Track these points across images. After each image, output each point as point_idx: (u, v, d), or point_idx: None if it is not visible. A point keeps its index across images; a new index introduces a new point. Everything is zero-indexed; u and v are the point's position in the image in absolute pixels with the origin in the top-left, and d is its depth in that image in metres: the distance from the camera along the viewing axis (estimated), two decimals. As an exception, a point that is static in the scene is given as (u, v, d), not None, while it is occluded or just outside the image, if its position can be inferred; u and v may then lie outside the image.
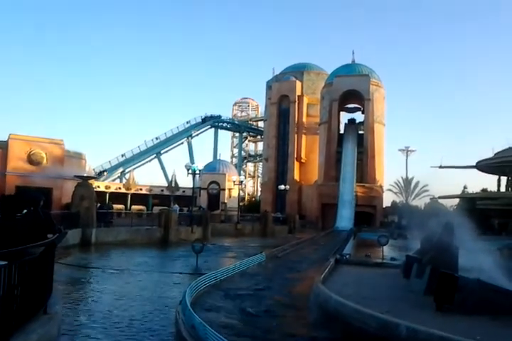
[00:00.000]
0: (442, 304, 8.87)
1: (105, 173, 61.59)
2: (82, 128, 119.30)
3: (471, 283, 8.85)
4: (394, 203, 61.52)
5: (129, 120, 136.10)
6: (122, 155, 64.82)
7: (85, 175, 28.31)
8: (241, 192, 62.74)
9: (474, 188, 53.94)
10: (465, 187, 54.51)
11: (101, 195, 43.03)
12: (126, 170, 63.22)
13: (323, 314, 9.54)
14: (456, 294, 8.75)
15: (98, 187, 44.85)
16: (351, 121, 62.03)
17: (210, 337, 6.55)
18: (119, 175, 63.97)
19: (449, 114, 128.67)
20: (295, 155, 62.90)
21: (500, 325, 7.86)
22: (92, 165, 35.57)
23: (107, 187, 50.19)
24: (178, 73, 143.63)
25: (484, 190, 48.49)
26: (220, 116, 79.54)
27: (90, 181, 28.20)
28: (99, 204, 28.57)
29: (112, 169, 63.06)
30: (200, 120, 74.95)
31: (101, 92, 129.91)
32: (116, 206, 35.17)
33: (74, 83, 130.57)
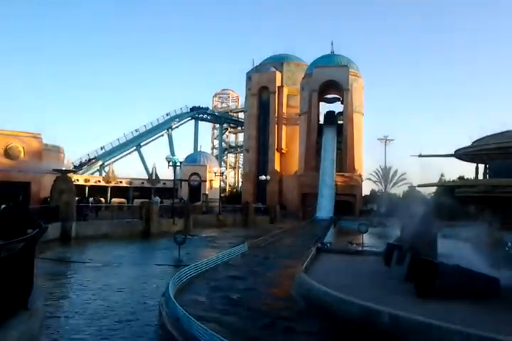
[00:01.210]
0: (423, 290, 9.02)
1: (93, 161, 60.91)
2: (59, 121, 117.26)
3: (451, 269, 9.02)
4: (373, 192, 62.21)
5: (109, 113, 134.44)
6: (101, 148, 63.99)
7: (64, 168, 27.87)
8: (222, 183, 62.73)
9: (452, 176, 55.03)
10: (442, 175, 55.45)
11: (80, 188, 42.51)
12: (106, 163, 62.50)
13: (306, 303, 9.63)
14: (437, 280, 8.91)
15: (77, 180, 44.29)
16: (330, 113, 62.39)
17: (194, 329, 6.55)
18: (99, 168, 63.19)
19: (428, 103, 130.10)
20: (275, 146, 63.00)
21: (478, 309, 8.05)
22: (70, 158, 34.94)
23: (86, 180, 49.55)
24: (157, 65, 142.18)
25: (461, 178, 49.29)
26: (207, 108, 79.66)
27: (69, 175, 27.78)
28: (78, 198, 28.24)
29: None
30: (180, 112, 74.41)
31: (77, 84, 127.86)
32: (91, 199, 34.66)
33: (49, 74, 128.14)
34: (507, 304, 8.30)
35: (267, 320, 8.67)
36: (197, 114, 78.18)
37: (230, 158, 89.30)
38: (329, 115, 62.13)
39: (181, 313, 7.21)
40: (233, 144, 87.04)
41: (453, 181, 41.81)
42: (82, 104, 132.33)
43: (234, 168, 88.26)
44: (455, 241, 13.98)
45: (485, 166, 11.03)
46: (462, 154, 11.59)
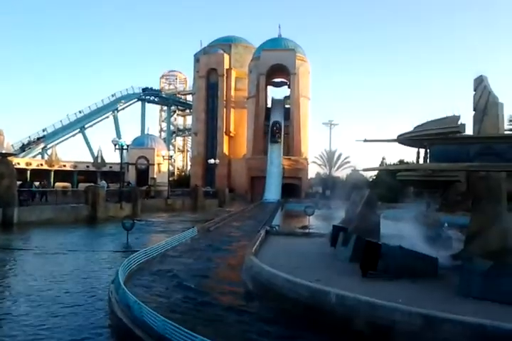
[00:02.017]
0: (367, 271, 9.43)
1: (42, 140, 58.56)
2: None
3: (393, 250, 9.44)
4: (318, 175, 63.62)
5: (51, 94, 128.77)
6: (43, 130, 61.53)
7: (4, 151, 26.65)
8: (170, 166, 62.06)
9: (393, 160, 57.03)
10: (383, 159, 57.53)
11: (21, 172, 40.88)
12: (48, 146, 60.21)
13: (256, 285, 9.84)
14: (380, 261, 9.33)
15: (18, 164, 42.54)
16: (277, 100, 62.89)
17: (146, 316, 6.56)
18: (41, 151, 60.81)
19: (372, 89, 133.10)
20: (224, 129, 62.87)
21: (419, 287, 8.52)
22: (9, 141, 33.41)
23: (27, 163, 47.75)
24: (102, 44, 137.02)
25: (402, 162, 51.20)
26: (159, 90, 78.20)
27: (9, 158, 26.62)
28: (20, 182, 27.19)
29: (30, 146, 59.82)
30: (126, 93, 72.43)
31: (20, 63, 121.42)
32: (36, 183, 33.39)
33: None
34: (444, 282, 8.83)
35: (216, 303, 8.82)
36: (144, 95, 76.47)
37: (179, 141, 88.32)
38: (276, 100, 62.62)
39: (132, 300, 7.18)
40: (181, 127, 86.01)
41: (395, 165, 43.30)
42: (25, 86, 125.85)
43: (182, 151, 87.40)
44: (396, 223, 14.59)
45: (425, 151, 11.46)
46: (404, 139, 12.00)
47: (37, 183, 33.49)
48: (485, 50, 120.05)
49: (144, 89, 75.38)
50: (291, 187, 54.64)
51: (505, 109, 10.66)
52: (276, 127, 57.29)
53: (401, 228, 13.04)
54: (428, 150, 11.35)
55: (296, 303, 7.97)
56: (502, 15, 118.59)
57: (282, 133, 56.86)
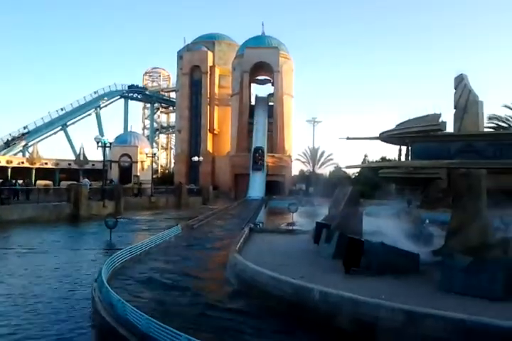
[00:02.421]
0: (350, 267, 9.52)
1: (26, 135, 57.88)
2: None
3: (376, 247, 9.55)
4: (302, 172, 63.87)
5: (32, 91, 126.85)
6: (24, 127, 60.56)
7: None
8: (154, 164, 61.69)
9: (375, 157, 57.53)
10: (366, 156, 58.09)
11: (2, 170, 40.30)
12: (30, 144, 59.36)
13: (240, 283, 9.86)
14: (362, 257, 9.42)
15: (-2, 161, 41.93)
16: (261, 97, 62.89)
17: (129, 314, 6.54)
18: (22, 148, 59.93)
19: (355, 88, 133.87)
20: (208, 127, 62.67)
21: (401, 283, 8.64)
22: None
23: (8, 161, 47.04)
24: (84, 41, 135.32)
25: (384, 159, 51.70)
26: (144, 88, 77.74)
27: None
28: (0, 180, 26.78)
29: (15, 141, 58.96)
30: (109, 90, 71.68)
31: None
32: (19, 181, 32.98)
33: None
34: (425, 278, 8.96)
35: (200, 301, 8.83)
36: (127, 92, 75.81)
37: (162, 138, 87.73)
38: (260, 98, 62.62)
39: (115, 298, 7.15)
40: (165, 124, 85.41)
41: (377, 162, 43.70)
42: (5, 82, 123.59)
43: (166, 148, 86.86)
44: (379, 219, 14.73)
45: (407, 148, 11.58)
46: (386, 137, 12.09)
47: (20, 181, 33.06)
48: (466, 47, 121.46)
49: (130, 87, 74.85)
50: (275, 184, 54.80)
51: (485, 107, 10.85)
52: (259, 153, 56.26)
53: (383, 225, 13.18)
54: (410, 148, 11.48)
55: (280, 300, 8.01)
56: (481, 12, 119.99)
57: (265, 159, 56.16)
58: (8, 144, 56.08)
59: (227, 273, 11.16)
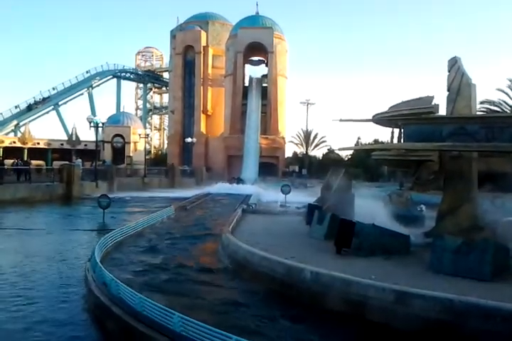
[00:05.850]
0: (341, 248, 9.63)
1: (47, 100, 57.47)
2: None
3: (367, 228, 9.64)
4: (295, 154, 63.97)
5: (22, 70, 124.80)
6: (16, 107, 59.77)
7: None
8: (147, 145, 61.38)
9: (368, 139, 57.67)
10: (359, 138, 58.30)
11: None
12: (21, 123, 58.75)
13: (232, 263, 9.97)
14: (354, 238, 9.53)
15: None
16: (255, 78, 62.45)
17: (123, 294, 6.60)
18: (13, 128, 59.30)
19: (349, 69, 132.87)
20: (201, 108, 62.16)
21: (392, 264, 8.75)
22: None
23: (0, 141, 46.63)
24: (76, 20, 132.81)
25: (376, 141, 51.81)
26: (136, 70, 77.31)
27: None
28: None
29: (5, 122, 58.26)
30: (101, 69, 70.73)
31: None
32: (9, 161, 32.61)
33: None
34: (416, 259, 9.09)
35: (195, 281, 8.93)
36: (119, 72, 74.87)
37: (155, 119, 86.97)
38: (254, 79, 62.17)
39: (108, 278, 7.20)
40: (158, 105, 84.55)
41: (370, 144, 43.79)
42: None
43: (159, 129, 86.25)
44: (370, 201, 14.83)
45: (400, 131, 11.60)
46: (379, 119, 12.08)
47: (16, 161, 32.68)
48: (460, 31, 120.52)
49: (121, 71, 74.33)
50: (268, 166, 54.83)
51: (477, 90, 10.86)
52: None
53: (375, 206, 13.28)
54: (402, 130, 11.51)
55: (272, 280, 8.11)
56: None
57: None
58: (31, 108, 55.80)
59: (220, 252, 11.26)
